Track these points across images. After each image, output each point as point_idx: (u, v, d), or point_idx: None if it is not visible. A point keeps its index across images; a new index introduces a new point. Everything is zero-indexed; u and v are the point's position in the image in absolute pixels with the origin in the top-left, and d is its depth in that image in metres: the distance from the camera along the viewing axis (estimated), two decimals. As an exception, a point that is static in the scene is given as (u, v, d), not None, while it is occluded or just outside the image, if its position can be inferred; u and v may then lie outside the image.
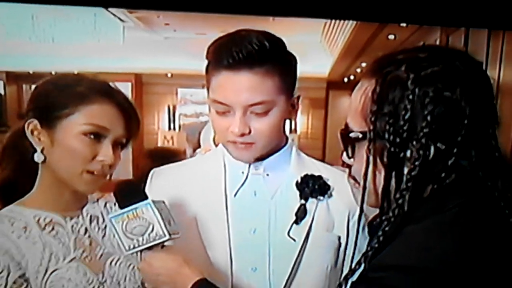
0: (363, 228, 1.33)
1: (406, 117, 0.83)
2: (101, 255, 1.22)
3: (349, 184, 1.29)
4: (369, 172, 0.90)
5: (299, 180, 1.30)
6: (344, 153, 0.97)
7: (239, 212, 1.30)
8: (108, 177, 1.21)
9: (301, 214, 1.27)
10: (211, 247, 1.27)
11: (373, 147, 0.88)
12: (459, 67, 0.86)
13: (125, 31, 5.81)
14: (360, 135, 0.90)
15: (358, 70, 7.84)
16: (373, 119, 0.87)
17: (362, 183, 0.92)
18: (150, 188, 1.37)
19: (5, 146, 1.25)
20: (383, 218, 0.89)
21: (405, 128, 0.84)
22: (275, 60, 1.20)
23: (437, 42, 3.80)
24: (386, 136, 0.85)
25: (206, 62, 1.27)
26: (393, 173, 0.87)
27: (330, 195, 1.32)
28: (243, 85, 1.18)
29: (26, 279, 1.11)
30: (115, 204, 1.30)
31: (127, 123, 1.20)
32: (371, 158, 0.89)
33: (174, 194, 1.17)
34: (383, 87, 0.87)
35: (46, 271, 1.13)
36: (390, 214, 0.86)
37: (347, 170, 1.35)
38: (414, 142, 0.84)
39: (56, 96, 1.16)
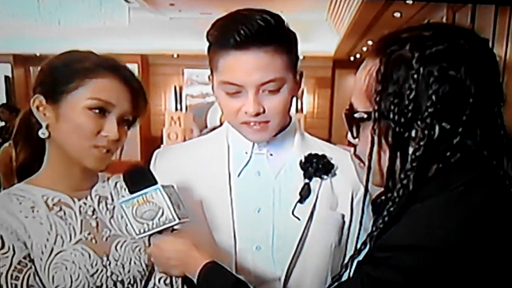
0: (367, 207, 1.32)
1: (411, 96, 0.83)
2: (108, 237, 1.21)
3: (353, 163, 1.32)
4: (374, 152, 0.90)
5: (303, 160, 1.30)
6: (349, 133, 0.97)
7: (243, 192, 1.30)
8: (118, 156, 1.22)
9: (305, 193, 1.27)
10: (216, 227, 1.27)
11: (377, 127, 0.87)
12: (464, 45, 0.84)
13: (131, 12, 5.80)
14: (365, 115, 0.90)
15: (364, 48, 7.80)
16: (377, 99, 0.86)
17: (367, 163, 0.92)
18: (154, 169, 1.35)
19: (18, 128, 1.25)
20: (388, 197, 0.89)
21: (410, 107, 0.83)
22: (281, 37, 1.20)
23: (444, 19, 3.77)
24: (391, 116, 0.85)
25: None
26: (398, 153, 0.87)
27: (334, 174, 1.32)
28: (255, 64, 1.17)
29: (30, 260, 1.11)
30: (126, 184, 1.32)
31: (134, 100, 1.19)
32: (376, 138, 0.89)
33: (178, 175, 1.16)
34: (387, 66, 0.86)
35: (51, 252, 1.13)
36: (395, 194, 0.86)
37: (351, 149, 1.31)
38: (419, 122, 0.83)
39: (62, 71, 1.15)
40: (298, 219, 1.27)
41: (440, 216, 0.80)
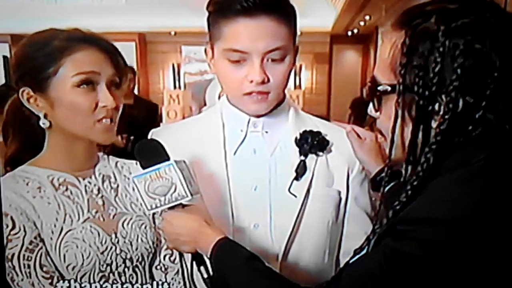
0: (362, 184, 1.36)
1: (436, 69, 0.83)
2: (114, 215, 1.23)
3: (349, 140, 1.33)
4: (397, 126, 0.90)
5: (298, 137, 1.30)
6: (370, 106, 0.97)
7: (239, 170, 1.30)
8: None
9: (301, 170, 1.28)
10: (213, 205, 1.26)
11: (401, 100, 0.88)
12: (489, 19, 0.84)
13: (127, -11, 5.74)
14: (389, 88, 0.90)
15: (362, 23, 7.73)
16: (402, 72, 0.86)
17: (390, 136, 0.92)
18: None
19: (6, 119, 1.25)
20: (411, 171, 0.90)
21: (434, 81, 0.83)
22: (285, 6, 1.21)
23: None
24: (415, 89, 0.85)
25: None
26: (421, 127, 0.87)
27: (329, 151, 1.32)
28: (261, 31, 1.17)
29: (41, 239, 1.12)
30: (125, 164, 1.34)
31: (112, 61, 1.18)
32: (399, 111, 0.89)
33: (174, 154, 1.16)
34: (412, 39, 0.86)
35: (61, 231, 1.14)
36: (419, 168, 0.86)
37: (346, 125, 1.37)
38: (443, 95, 0.83)
39: (36, 57, 1.13)
40: (295, 196, 1.27)
41: (462, 190, 0.81)
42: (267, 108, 1.28)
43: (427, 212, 0.82)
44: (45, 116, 1.16)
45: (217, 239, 1.08)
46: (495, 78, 0.82)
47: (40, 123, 1.17)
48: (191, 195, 1.11)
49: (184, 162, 1.15)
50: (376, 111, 0.96)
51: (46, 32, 1.17)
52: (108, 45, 1.18)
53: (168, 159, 1.11)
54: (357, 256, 0.93)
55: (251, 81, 1.20)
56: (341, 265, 1.18)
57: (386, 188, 1.10)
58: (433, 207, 0.81)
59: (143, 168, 1.11)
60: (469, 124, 0.84)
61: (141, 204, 1.15)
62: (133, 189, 1.16)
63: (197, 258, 1.13)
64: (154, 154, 1.12)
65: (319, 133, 1.31)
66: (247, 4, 1.14)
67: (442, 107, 0.84)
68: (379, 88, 0.92)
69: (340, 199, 1.32)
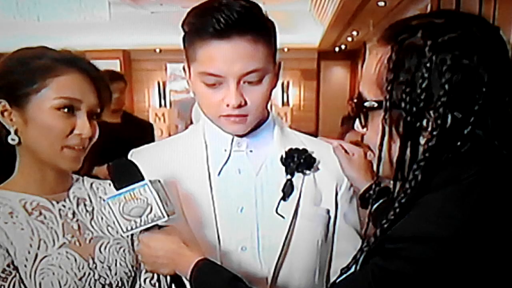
0: (351, 201, 1.33)
1: (423, 85, 0.82)
2: (91, 239, 1.19)
3: (337, 156, 1.32)
4: (385, 143, 0.89)
5: (284, 155, 1.27)
6: (357, 122, 0.96)
7: (224, 191, 1.27)
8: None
9: (288, 189, 1.25)
10: (198, 229, 1.24)
11: (388, 116, 0.87)
12: (476, 33, 0.84)
13: (111, 6, 5.74)
14: (375, 104, 0.89)
15: (349, 39, 7.84)
16: (389, 88, 0.86)
17: (377, 153, 0.92)
18: None
19: None
20: (399, 188, 0.89)
21: (422, 97, 0.83)
22: (261, 25, 1.17)
23: (428, 7, 3.76)
24: (403, 105, 0.84)
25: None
26: (409, 143, 0.86)
27: (316, 169, 1.30)
28: (236, 54, 1.14)
29: (15, 267, 1.08)
30: (100, 184, 1.29)
31: (97, 91, 1.17)
32: (386, 128, 0.88)
33: (155, 175, 1.13)
34: (399, 54, 0.85)
35: (36, 258, 1.10)
36: (407, 185, 0.86)
37: (333, 141, 1.37)
38: (431, 111, 0.83)
39: (21, 72, 1.11)
40: (283, 217, 1.24)
41: (451, 206, 0.80)
42: (246, 128, 1.26)
43: (417, 230, 0.81)
44: (16, 132, 1.13)
45: (196, 260, 1.06)
46: (483, 93, 0.82)
47: (9, 139, 1.13)
48: (167, 215, 1.09)
49: (159, 181, 1.13)
50: (363, 127, 0.95)
51: (36, 49, 1.16)
52: (96, 73, 1.18)
53: (142, 179, 1.09)
54: (344, 276, 0.92)
55: (228, 105, 1.18)
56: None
57: (374, 206, 1.12)
58: (423, 224, 0.81)
59: (117, 188, 1.09)
60: (458, 140, 0.84)
61: (108, 231, 1.15)
62: (108, 212, 1.14)
63: (176, 280, 1.12)
64: (127, 175, 1.10)
65: (305, 150, 1.28)
66: (219, 27, 1.11)
67: (430, 123, 0.84)
68: (365, 104, 0.92)
69: (329, 217, 1.29)
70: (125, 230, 1.09)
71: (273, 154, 1.29)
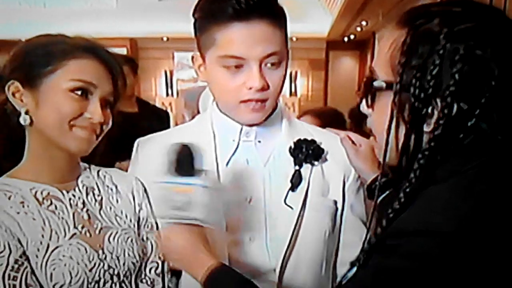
0: (358, 192, 1.33)
1: (434, 72, 0.82)
2: (100, 229, 1.19)
3: (344, 147, 1.33)
4: (392, 127, 0.89)
5: (292, 146, 1.27)
6: (363, 102, 0.96)
7: (232, 181, 1.26)
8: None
9: (296, 180, 1.25)
10: None
11: (397, 100, 0.86)
12: (492, 25, 0.83)
13: (118, -6, 5.71)
14: (384, 85, 0.89)
15: (359, 29, 7.80)
16: (400, 71, 0.85)
17: (385, 137, 0.90)
18: (136, 159, 1.34)
19: None
20: (404, 178, 0.87)
21: (431, 83, 0.82)
22: (278, 10, 1.18)
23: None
24: (412, 90, 0.84)
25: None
26: (413, 130, 0.86)
27: (324, 160, 1.30)
28: (258, 36, 1.14)
29: (26, 258, 1.08)
30: (107, 172, 1.30)
31: (113, 80, 1.17)
32: (394, 112, 0.87)
33: (161, 165, 1.09)
34: (413, 39, 0.85)
35: (47, 249, 1.10)
36: (412, 174, 0.85)
37: (341, 132, 1.36)
38: (438, 100, 0.82)
39: (38, 54, 1.12)
40: (291, 208, 1.24)
41: (456, 198, 0.79)
42: (262, 117, 1.26)
43: (419, 224, 0.80)
44: (27, 113, 1.13)
45: (210, 264, 1.04)
46: (491, 87, 0.81)
47: (20, 119, 1.12)
48: (203, 223, 1.06)
49: (216, 189, 1.10)
50: (369, 107, 0.95)
51: (56, 36, 1.16)
52: (113, 62, 1.18)
53: (198, 174, 1.07)
54: (354, 268, 0.92)
55: (250, 88, 1.17)
56: (338, 276, 1.31)
57: (380, 198, 1.13)
58: (426, 218, 0.80)
59: (176, 170, 1.06)
60: (461, 131, 0.84)
61: (116, 220, 1.18)
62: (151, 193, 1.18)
63: (176, 273, 1.14)
64: (188, 164, 1.07)
65: (313, 141, 1.28)
66: (240, 7, 1.11)
67: (436, 112, 0.83)
68: (374, 83, 0.91)
69: (336, 208, 1.29)
70: (157, 214, 1.12)
71: (281, 144, 1.29)
